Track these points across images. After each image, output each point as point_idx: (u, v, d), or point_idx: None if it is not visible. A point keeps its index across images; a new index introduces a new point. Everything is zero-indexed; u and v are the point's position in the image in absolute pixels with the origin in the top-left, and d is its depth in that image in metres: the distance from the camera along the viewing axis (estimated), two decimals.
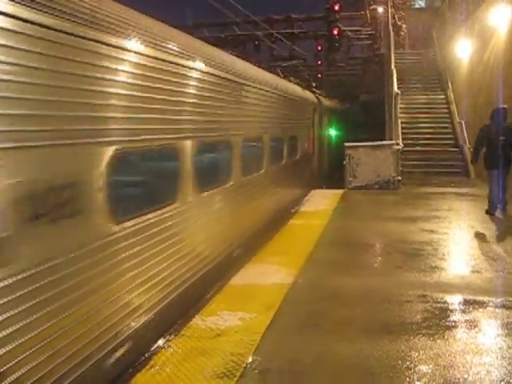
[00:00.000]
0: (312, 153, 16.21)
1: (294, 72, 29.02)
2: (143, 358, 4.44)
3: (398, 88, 18.19)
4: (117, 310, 4.25)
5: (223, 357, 4.39)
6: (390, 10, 25.36)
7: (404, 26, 32.54)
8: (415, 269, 6.94)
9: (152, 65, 4.93)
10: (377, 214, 11.11)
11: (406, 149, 15.98)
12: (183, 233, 5.71)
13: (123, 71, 4.42)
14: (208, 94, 6.55)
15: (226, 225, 7.35)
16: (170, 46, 5.43)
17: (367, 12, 28.66)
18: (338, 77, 33.23)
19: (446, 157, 17.35)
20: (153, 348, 4.62)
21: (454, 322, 5.13)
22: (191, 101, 6.05)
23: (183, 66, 5.77)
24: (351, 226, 10.13)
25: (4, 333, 3.12)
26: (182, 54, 5.73)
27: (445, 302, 5.67)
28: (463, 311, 5.42)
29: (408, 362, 4.27)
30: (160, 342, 4.73)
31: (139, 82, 4.70)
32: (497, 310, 5.43)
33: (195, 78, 6.15)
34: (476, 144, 10.59)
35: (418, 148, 17.75)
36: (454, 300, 5.78)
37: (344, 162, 15.29)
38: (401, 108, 18.45)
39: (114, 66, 4.28)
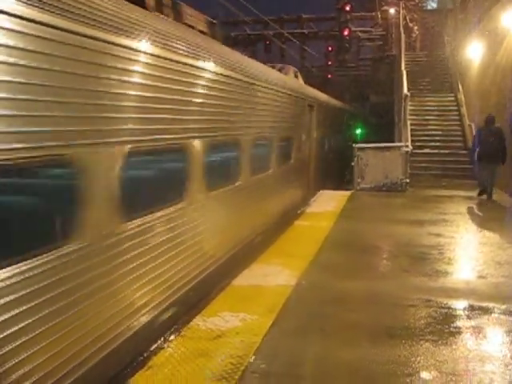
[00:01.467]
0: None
1: (304, 72, 28.95)
2: (141, 358, 4.40)
3: (408, 90, 18.07)
4: None
5: (223, 358, 4.34)
6: (401, 12, 25.22)
7: (415, 27, 32.38)
8: (421, 273, 6.86)
9: None
10: (384, 217, 11.03)
11: (414, 151, 15.87)
12: None
13: None
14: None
15: None
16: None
17: (378, 13, 28.54)
18: (348, 77, 33.15)
19: (455, 159, 17.22)
20: (152, 348, 4.58)
21: (458, 327, 5.06)
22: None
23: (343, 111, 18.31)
24: (358, 228, 10.06)
25: None
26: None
27: (449, 308, 5.60)
28: (468, 317, 5.34)
29: (410, 369, 4.21)
30: (159, 341, 4.69)
31: None
32: (502, 316, 5.35)
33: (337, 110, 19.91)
34: (472, 146, 13.42)
35: (427, 150, 17.62)
36: (459, 305, 5.70)
37: (352, 163, 15.22)
38: (410, 110, 18.34)
39: None
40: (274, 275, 6.75)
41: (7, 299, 3.16)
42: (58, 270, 3.57)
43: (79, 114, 3.81)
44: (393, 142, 17.37)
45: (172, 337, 4.80)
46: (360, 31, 29.65)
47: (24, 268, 3.28)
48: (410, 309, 5.56)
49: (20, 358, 3.24)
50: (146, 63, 4.74)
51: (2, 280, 3.13)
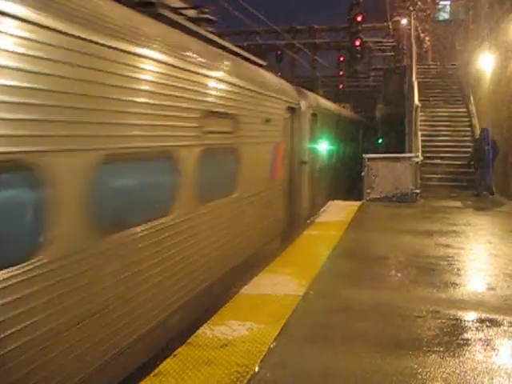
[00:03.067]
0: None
1: (314, 82, 29.05)
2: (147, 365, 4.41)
3: (420, 100, 18.05)
4: None
5: (228, 367, 4.34)
6: (412, 22, 25.22)
7: (427, 38, 32.35)
8: (429, 284, 6.83)
9: None
10: (393, 227, 11.00)
11: (425, 161, 15.83)
12: None
13: None
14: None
15: None
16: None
17: (390, 24, 28.58)
18: (360, 88, 33.17)
19: (466, 171, 17.12)
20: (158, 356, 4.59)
21: (467, 339, 5.02)
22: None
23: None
24: (366, 238, 10.04)
25: None
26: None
27: (457, 319, 5.56)
28: (476, 329, 5.30)
29: (416, 380, 4.18)
30: (165, 349, 4.70)
31: None
32: (511, 328, 5.30)
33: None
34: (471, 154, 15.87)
35: (437, 161, 17.58)
36: (467, 317, 5.66)
37: (362, 174, 15.19)
38: (421, 121, 18.31)
39: None
40: (282, 284, 6.74)
41: None
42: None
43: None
44: (403, 152, 17.34)
45: (178, 345, 4.80)
46: (371, 42, 29.68)
47: None
48: (417, 320, 5.53)
49: None
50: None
51: None
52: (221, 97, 6.61)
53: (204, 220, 6.06)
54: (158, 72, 4.93)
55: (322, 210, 13.43)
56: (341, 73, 34.42)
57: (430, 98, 21.21)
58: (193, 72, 5.71)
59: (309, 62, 33.40)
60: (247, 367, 4.35)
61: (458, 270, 7.59)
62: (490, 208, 13.31)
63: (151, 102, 4.76)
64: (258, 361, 4.48)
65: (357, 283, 6.91)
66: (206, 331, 5.13)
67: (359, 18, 23.38)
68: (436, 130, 19.45)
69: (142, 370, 4.38)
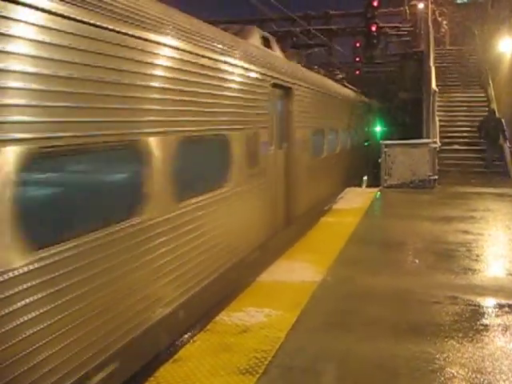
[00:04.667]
0: None
1: (330, 69, 28.83)
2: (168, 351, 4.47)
3: (437, 86, 17.86)
4: None
5: (247, 353, 4.38)
6: (430, 6, 24.87)
7: (445, 22, 31.85)
8: (447, 270, 6.80)
9: None
10: (411, 213, 10.94)
11: (443, 147, 15.68)
12: None
13: None
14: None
15: None
16: None
17: (406, 8, 28.21)
18: (376, 74, 32.85)
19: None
20: (177, 342, 4.65)
21: (485, 325, 5.00)
22: None
23: None
24: (384, 224, 10.01)
25: None
26: None
27: (476, 305, 5.54)
28: (495, 315, 5.28)
29: (435, 365, 4.18)
30: (185, 336, 4.75)
31: None
32: None
33: None
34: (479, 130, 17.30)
35: (455, 147, 17.39)
36: (486, 303, 5.64)
37: (379, 160, 15.10)
38: (439, 106, 18.12)
39: None
40: (300, 271, 6.77)
41: None
42: None
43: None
44: (421, 138, 17.19)
45: (197, 331, 4.86)
46: (388, 27, 29.32)
47: None
48: (435, 306, 5.52)
49: None
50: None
51: None
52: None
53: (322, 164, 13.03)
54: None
55: (339, 196, 13.41)
56: (357, 59, 34.08)
57: (448, 83, 20.96)
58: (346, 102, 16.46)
59: (325, 48, 33.13)
60: (265, 353, 4.39)
61: (477, 255, 7.54)
62: (510, 194, 13.15)
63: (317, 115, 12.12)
64: (277, 346, 4.51)
65: (374, 269, 6.91)
66: (225, 318, 5.18)
67: (375, 3, 23.08)
68: (454, 116, 19.23)
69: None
